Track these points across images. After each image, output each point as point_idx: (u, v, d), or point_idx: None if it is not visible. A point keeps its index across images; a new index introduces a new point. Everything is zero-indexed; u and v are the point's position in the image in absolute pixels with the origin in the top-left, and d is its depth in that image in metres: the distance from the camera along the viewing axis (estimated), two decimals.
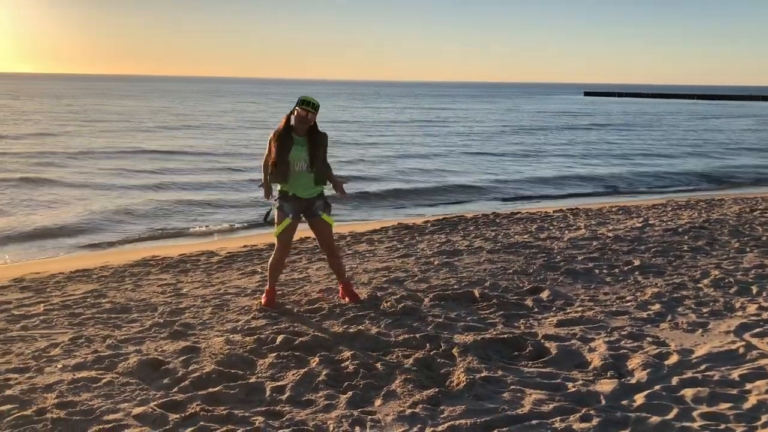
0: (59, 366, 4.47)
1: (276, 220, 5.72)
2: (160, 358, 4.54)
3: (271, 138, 5.60)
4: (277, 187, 5.71)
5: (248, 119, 44.18)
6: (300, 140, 5.56)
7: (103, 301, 6.32)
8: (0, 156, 21.11)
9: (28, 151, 22.44)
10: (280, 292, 6.29)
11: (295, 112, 5.56)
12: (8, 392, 4.00)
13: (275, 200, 5.71)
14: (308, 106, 5.53)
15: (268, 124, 36.74)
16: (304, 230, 11.24)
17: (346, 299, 5.94)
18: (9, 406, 3.80)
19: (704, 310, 5.71)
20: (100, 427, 3.56)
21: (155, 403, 3.84)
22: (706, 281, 6.62)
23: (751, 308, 5.71)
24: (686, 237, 8.90)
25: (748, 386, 4.08)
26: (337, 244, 8.98)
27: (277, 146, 5.53)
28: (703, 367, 4.41)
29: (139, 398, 3.94)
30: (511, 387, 4.06)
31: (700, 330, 5.19)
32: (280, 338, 4.85)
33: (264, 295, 5.98)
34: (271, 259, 5.92)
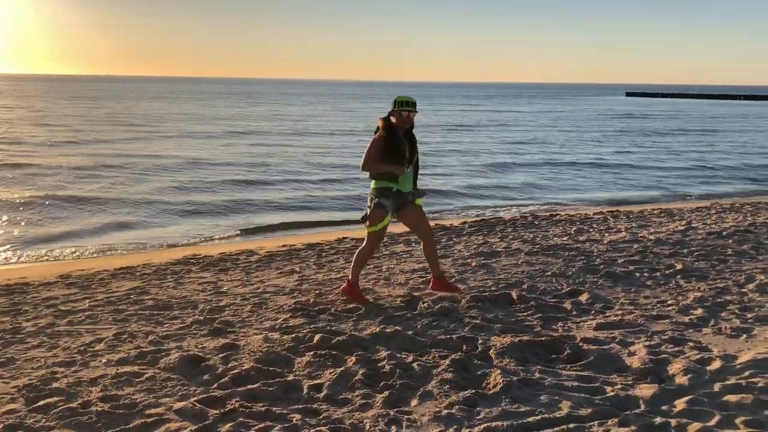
0: (103, 360, 4.59)
1: (373, 218, 5.79)
2: (200, 354, 4.63)
3: (380, 142, 5.63)
4: (371, 185, 5.82)
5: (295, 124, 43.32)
6: (403, 141, 5.70)
7: (146, 298, 6.46)
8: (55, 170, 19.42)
9: (79, 164, 20.83)
10: (317, 291, 6.35)
11: (397, 115, 5.66)
12: (55, 385, 4.12)
13: (374, 199, 5.78)
14: (411, 106, 5.67)
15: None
16: (341, 231, 11.39)
17: (439, 293, 6.03)
18: (56, 399, 3.92)
19: (749, 315, 5.57)
20: (143, 420, 3.64)
21: (195, 398, 3.92)
22: (750, 286, 6.46)
23: None
24: (730, 241, 8.70)
25: None
26: None
27: (396, 151, 5.62)
28: (747, 373, 4.30)
29: (179, 393, 4.02)
30: (549, 390, 4.02)
31: (745, 336, 5.07)
32: (317, 337, 4.89)
33: (346, 286, 6.05)
34: (361, 251, 5.96)
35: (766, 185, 19.09)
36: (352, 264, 6.01)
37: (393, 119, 5.71)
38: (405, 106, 5.64)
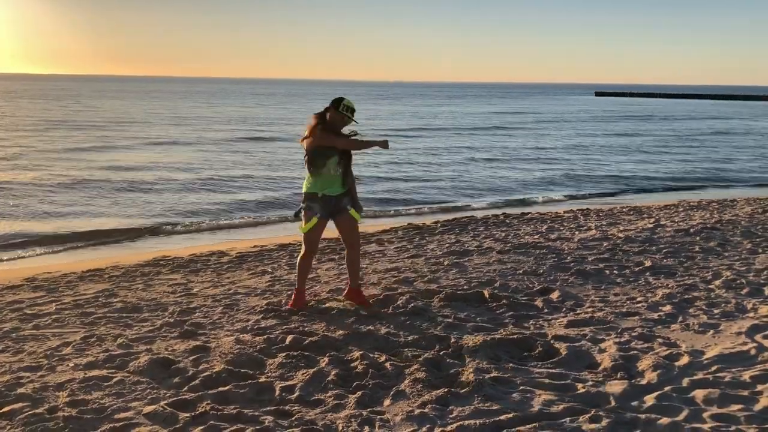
0: (71, 365, 4.50)
1: (304, 219, 5.63)
2: (170, 357, 4.57)
3: (313, 135, 5.43)
4: (302, 189, 5.65)
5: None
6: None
7: (115, 300, 6.36)
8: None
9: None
10: (289, 292, 6.31)
11: (335, 115, 5.44)
12: (20, 390, 4.03)
13: (303, 202, 5.64)
14: (351, 113, 5.44)
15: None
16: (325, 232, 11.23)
17: (351, 300, 5.82)
18: (21, 404, 3.83)
19: (715, 311, 5.67)
20: (111, 425, 3.58)
21: (166, 401, 3.86)
22: (717, 282, 6.58)
23: (763, 309, 5.67)
24: (698, 238, 8.85)
25: (760, 387, 4.05)
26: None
27: (322, 148, 5.43)
28: (714, 368, 4.38)
29: (149, 397, 3.96)
30: (521, 387, 4.05)
31: (712, 331, 5.16)
32: (289, 338, 4.86)
33: (292, 296, 5.89)
34: (298, 258, 5.86)
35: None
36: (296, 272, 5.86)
37: (328, 117, 5.48)
38: (347, 111, 5.43)
